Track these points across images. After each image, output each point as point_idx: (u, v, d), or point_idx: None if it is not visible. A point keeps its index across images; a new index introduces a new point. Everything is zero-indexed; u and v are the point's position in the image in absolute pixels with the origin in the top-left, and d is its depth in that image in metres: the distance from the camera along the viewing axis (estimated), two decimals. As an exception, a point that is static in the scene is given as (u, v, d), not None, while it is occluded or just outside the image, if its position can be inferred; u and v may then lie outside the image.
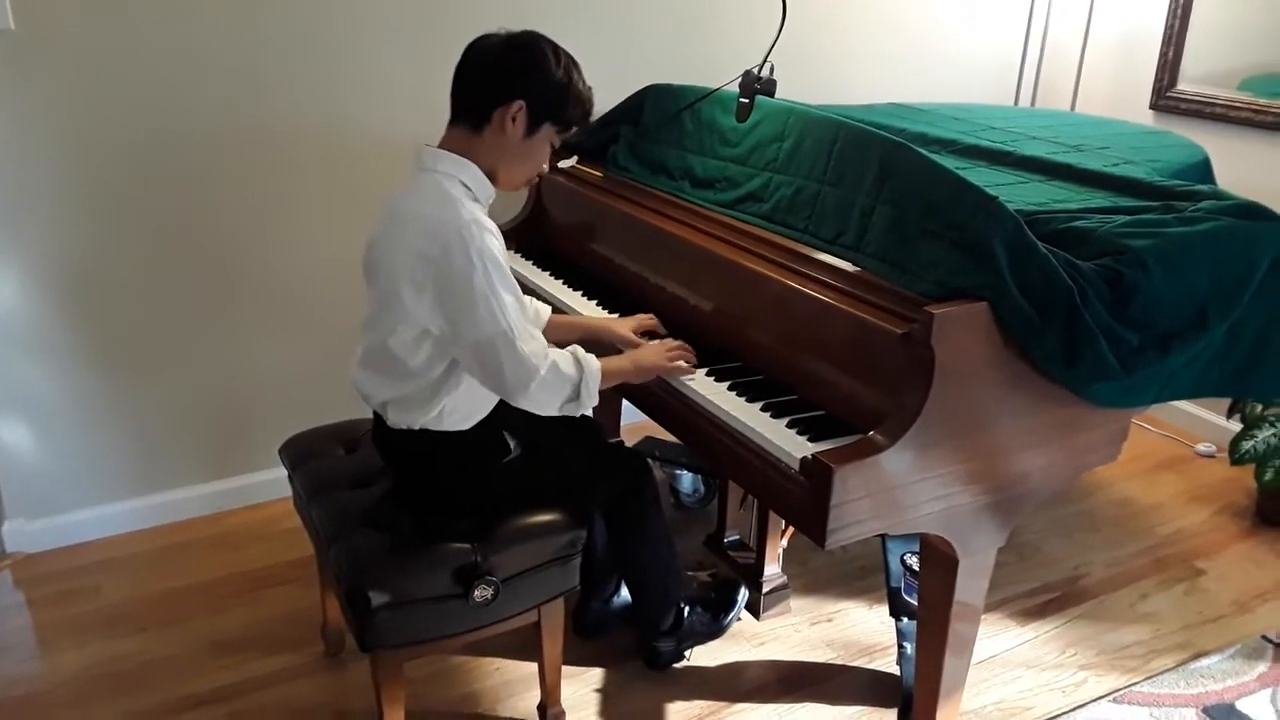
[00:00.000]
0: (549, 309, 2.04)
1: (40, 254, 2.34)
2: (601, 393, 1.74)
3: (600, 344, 1.92)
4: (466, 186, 1.67)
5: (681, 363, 1.82)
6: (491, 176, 1.72)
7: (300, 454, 2.02)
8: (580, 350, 1.74)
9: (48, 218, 2.32)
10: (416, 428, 1.75)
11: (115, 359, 2.49)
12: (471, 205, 1.65)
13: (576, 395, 1.69)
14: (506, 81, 1.66)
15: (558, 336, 1.90)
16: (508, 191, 1.80)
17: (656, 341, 1.90)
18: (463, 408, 1.77)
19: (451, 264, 1.58)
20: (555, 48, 1.70)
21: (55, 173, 2.29)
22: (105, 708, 2.03)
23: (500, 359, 1.62)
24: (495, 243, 1.63)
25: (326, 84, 2.50)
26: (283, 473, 2.05)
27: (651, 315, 2.02)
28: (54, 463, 2.50)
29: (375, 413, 1.83)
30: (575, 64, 1.72)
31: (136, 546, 2.57)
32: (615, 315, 2.10)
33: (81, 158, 2.31)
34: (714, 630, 2.23)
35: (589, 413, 1.78)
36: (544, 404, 1.68)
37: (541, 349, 1.66)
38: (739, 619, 2.28)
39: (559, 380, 1.67)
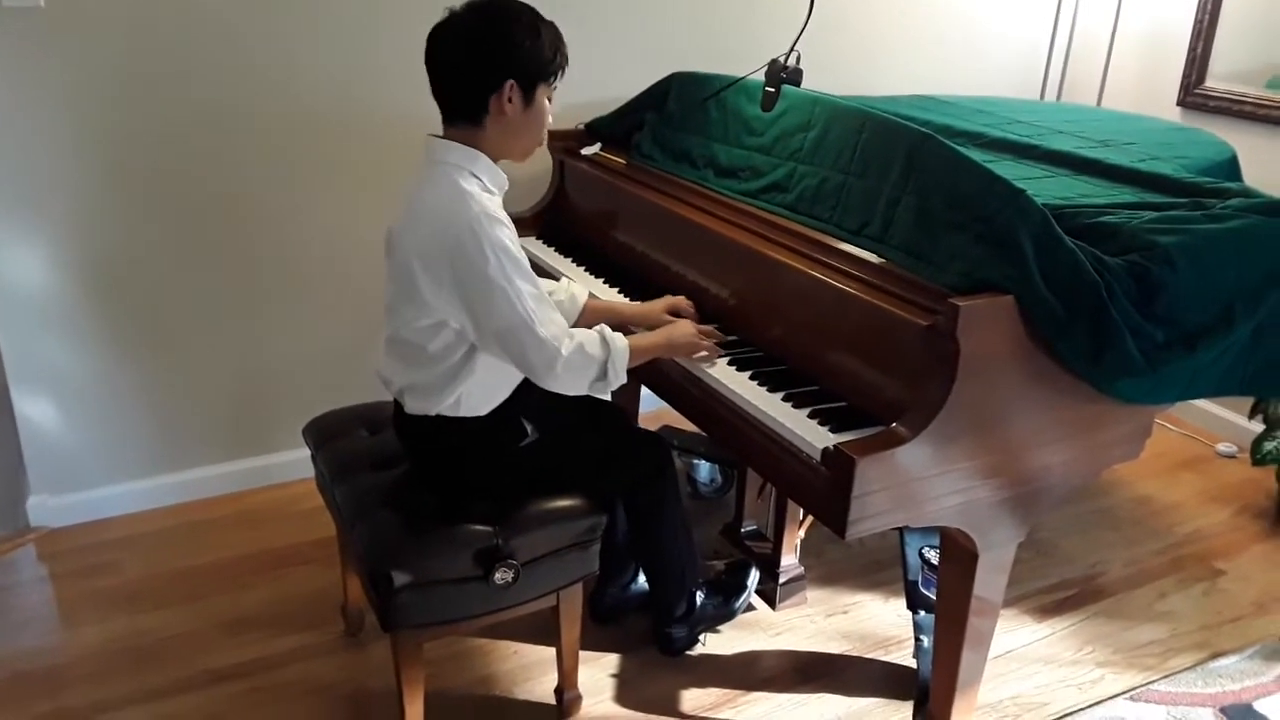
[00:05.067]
0: (586, 292, 2.03)
1: (66, 233, 2.36)
2: (635, 369, 1.75)
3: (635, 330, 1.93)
4: (478, 178, 1.67)
5: (710, 345, 1.84)
6: (502, 157, 1.72)
7: (324, 435, 2.03)
8: (607, 329, 1.75)
9: (74, 196, 2.34)
10: (433, 414, 1.76)
11: (140, 337, 2.52)
12: (484, 197, 1.64)
13: (604, 374, 1.71)
14: (488, 66, 1.62)
15: (593, 323, 1.90)
16: (523, 161, 1.78)
17: (688, 321, 1.91)
18: (479, 394, 1.78)
19: (466, 258, 1.59)
20: (509, 4, 1.65)
21: (82, 152, 2.31)
22: (125, 682, 2.05)
23: (523, 345, 1.64)
24: (507, 233, 1.63)
25: (352, 64, 2.50)
26: (304, 453, 2.07)
27: (684, 297, 2.01)
28: (79, 439, 2.53)
29: (395, 399, 1.84)
30: (533, 10, 1.67)
31: (159, 523, 2.60)
32: (640, 301, 2.09)
33: (108, 137, 2.33)
34: (725, 613, 2.23)
35: (608, 396, 1.79)
36: (572, 384, 1.70)
37: (562, 331, 1.67)
38: (751, 602, 2.29)
39: (585, 360, 1.69)
